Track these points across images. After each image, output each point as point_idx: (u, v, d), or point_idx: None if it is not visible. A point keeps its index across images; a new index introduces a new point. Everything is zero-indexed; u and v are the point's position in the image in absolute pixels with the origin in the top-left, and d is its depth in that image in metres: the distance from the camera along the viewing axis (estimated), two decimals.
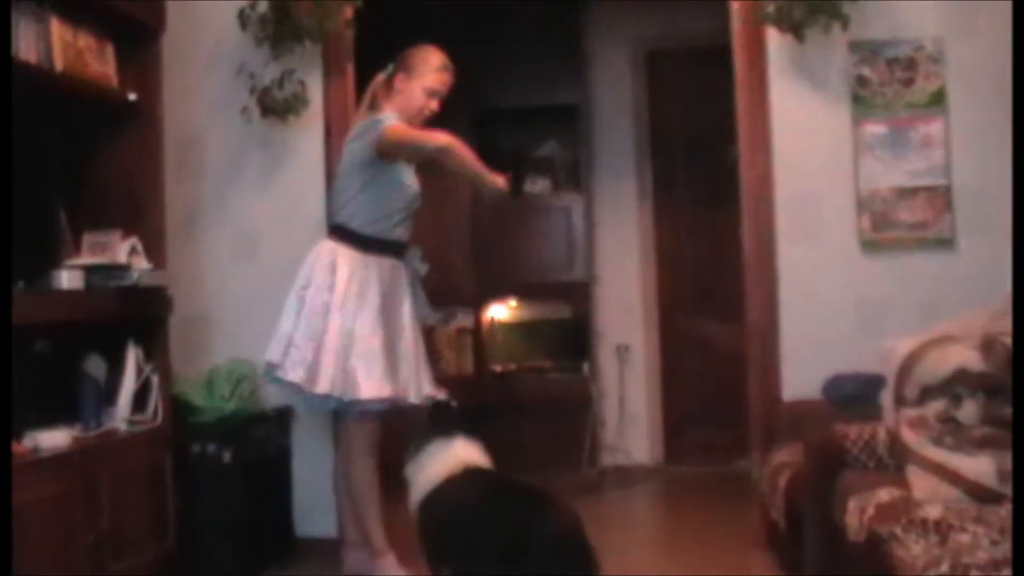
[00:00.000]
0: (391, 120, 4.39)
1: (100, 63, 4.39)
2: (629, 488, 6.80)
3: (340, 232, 4.47)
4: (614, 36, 7.36)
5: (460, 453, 3.71)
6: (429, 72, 4.52)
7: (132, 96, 4.51)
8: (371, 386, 4.28)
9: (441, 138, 4.32)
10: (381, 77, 4.60)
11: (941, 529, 2.96)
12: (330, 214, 4.65)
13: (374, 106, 4.57)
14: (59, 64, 4.09)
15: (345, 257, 4.39)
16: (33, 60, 3.96)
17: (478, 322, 7.29)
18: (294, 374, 4.31)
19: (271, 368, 4.43)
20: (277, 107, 5.03)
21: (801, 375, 4.81)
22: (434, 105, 4.55)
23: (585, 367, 7.13)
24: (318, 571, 4.83)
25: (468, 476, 3.62)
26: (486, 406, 3.97)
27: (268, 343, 4.50)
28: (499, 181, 4.38)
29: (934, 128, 4.79)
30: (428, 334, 5.01)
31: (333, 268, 4.38)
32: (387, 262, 4.47)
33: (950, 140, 4.79)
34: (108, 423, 4.29)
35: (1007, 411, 3.33)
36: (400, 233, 4.54)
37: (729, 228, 5.48)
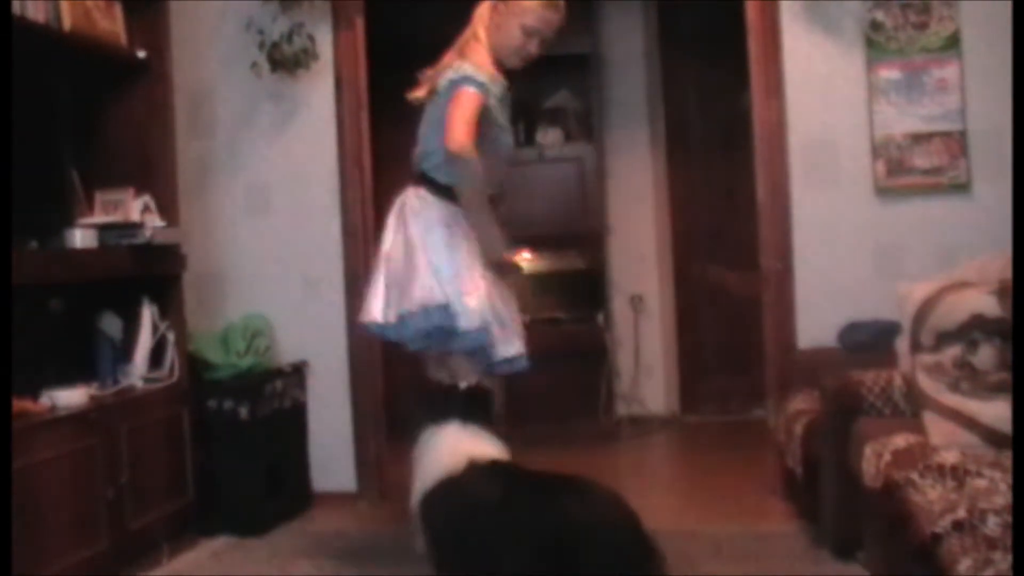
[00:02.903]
0: (468, 88, 3.76)
1: (108, 21, 4.37)
2: (645, 438, 6.81)
3: (427, 182, 3.96)
4: None
5: (464, 445, 3.29)
6: (529, 9, 3.88)
7: (141, 53, 4.50)
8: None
9: (465, 149, 3.69)
10: (487, 3, 3.98)
11: (958, 474, 2.96)
12: (418, 158, 4.03)
13: (476, 37, 3.95)
14: (67, 23, 4.08)
15: (441, 210, 3.91)
16: (41, 20, 3.95)
17: None
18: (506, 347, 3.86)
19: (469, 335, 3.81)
20: (287, 61, 5.01)
21: (816, 322, 4.80)
22: (533, 48, 3.93)
23: (600, 317, 7.12)
24: (335, 524, 4.86)
25: (478, 472, 3.20)
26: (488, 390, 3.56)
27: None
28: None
29: (949, 72, 4.74)
30: None
31: (433, 223, 3.89)
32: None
33: (965, 84, 4.74)
34: (125, 380, 4.32)
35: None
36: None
37: (743, 175, 5.45)
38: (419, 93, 4.05)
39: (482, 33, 3.96)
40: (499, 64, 3.96)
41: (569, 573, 2.87)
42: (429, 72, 4.03)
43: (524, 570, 2.95)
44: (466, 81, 3.79)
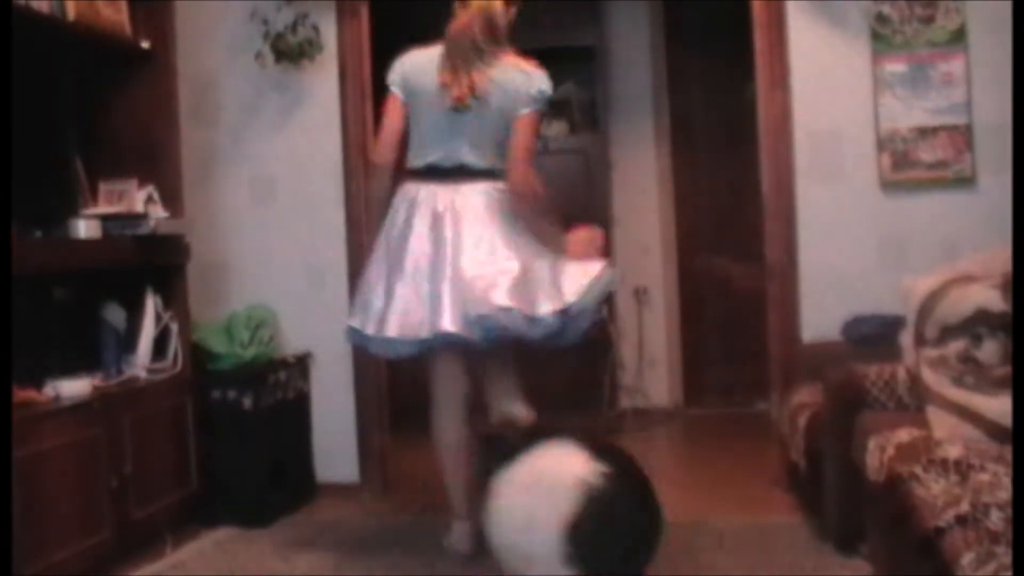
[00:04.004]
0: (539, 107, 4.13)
1: (112, 10, 4.37)
2: (648, 430, 6.81)
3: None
4: None
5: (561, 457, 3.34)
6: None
7: (145, 43, 4.50)
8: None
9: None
10: (499, 5, 4.10)
11: (961, 468, 2.95)
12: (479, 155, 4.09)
13: (501, 41, 4.12)
14: (71, 13, 4.08)
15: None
16: (45, 10, 3.95)
17: None
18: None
19: None
20: (291, 52, 5.00)
21: (821, 315, 4.80)
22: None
23: (603, 309, 7.10)
24: (338, 515, 4.86)
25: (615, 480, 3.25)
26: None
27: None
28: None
29: (954, 66, 4.74)
30: None
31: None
32: None
33: (971, 78, 4.73)
34: (128, 370, 4.33)
35: None
36: None
37: (747, 167, 5.45)
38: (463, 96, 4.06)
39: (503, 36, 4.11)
40: None
41: None
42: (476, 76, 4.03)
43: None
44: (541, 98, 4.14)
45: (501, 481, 3.21)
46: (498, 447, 3.36)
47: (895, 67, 4.77)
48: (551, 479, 3.12)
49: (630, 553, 2.99)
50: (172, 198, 4.50)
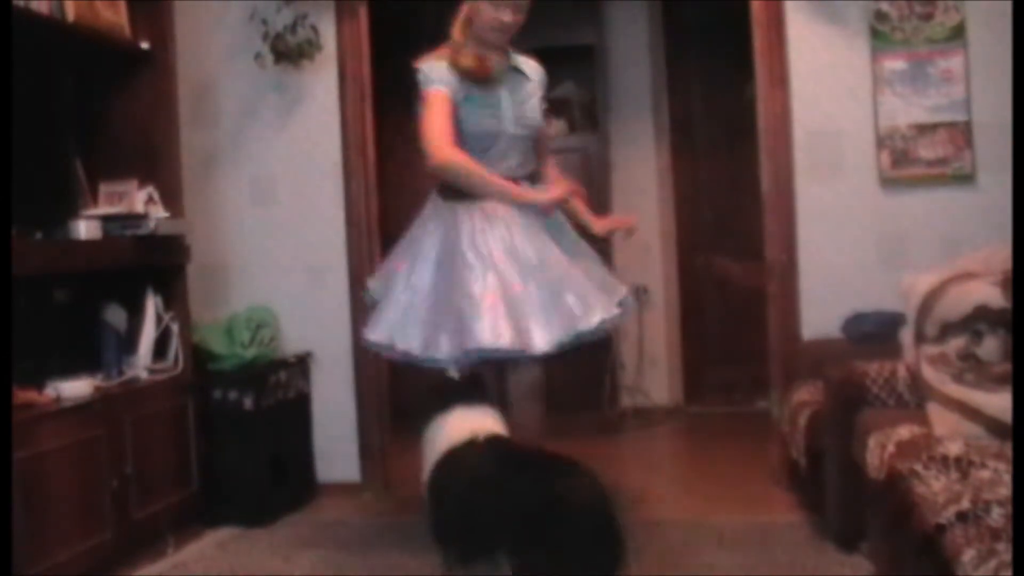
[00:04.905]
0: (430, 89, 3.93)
1: (112, 12, 4.38)
2: (649, 429, 6.81)
3: None
4: None
5: (467, 422, 3.44)
6: None
7: (145, 44, 4.51)
8: None
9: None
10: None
11: (962, 465, 2.95)
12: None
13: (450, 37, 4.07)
14: (71, 14, 4.09)
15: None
16: (45, 11, 3.96)
17: None
18: None
19: None
20: (290, 53, 5.00)
21: (821, 313, 4.80)
22: (506, 16, 3.95)
23: None
24: (339, 515, 4.86)
25: (478, 446, 3.34)
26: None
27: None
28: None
29: (954, 63, 4.74)
30: None
31: None
32: None
33: (970, 75, 4.73)
34: (129, 371, 4.33)
35: None
36: None
37: (747, 166, 5.45)
38: None
39: (455, 34, 4.00)
40: (484, 47, 4.01)
41: (542, 547, 2.97)
42: None
43: (507, 540, 3.08)
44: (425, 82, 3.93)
45: (431, 429, 3.47)
46: (437, 397, 3.56)
47: (894, 65, 4.77)
48: (447, 432, 3.38)
49: (485, 527, 3.14)
50: (172, 199, 4.50)
